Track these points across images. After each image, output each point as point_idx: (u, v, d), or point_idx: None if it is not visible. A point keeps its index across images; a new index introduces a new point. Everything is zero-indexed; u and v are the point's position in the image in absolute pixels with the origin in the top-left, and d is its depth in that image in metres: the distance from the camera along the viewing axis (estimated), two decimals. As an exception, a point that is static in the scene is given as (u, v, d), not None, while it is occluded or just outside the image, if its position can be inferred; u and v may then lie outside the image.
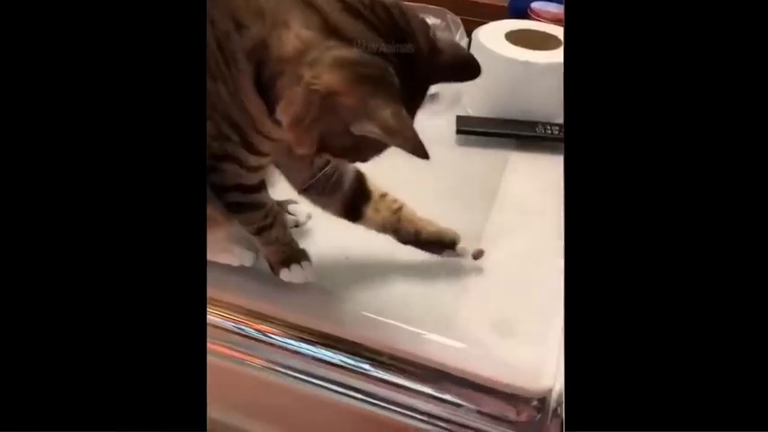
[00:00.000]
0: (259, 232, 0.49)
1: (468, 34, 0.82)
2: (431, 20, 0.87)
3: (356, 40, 0.36)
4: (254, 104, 0.39)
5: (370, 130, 0.35)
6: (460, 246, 0.54)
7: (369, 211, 0.52)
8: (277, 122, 0.39)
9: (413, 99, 0.39)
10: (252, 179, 0.46)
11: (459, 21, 0.87)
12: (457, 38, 0.84)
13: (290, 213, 0.57)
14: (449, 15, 0.88)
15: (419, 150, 0.35)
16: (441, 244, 0.54)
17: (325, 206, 0.53)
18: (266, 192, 0.48)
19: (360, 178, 0.53)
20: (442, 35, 0.42)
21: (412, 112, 0.40)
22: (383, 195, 0.53)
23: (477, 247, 0.55)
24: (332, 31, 0.36)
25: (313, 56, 0.35)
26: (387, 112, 0.35)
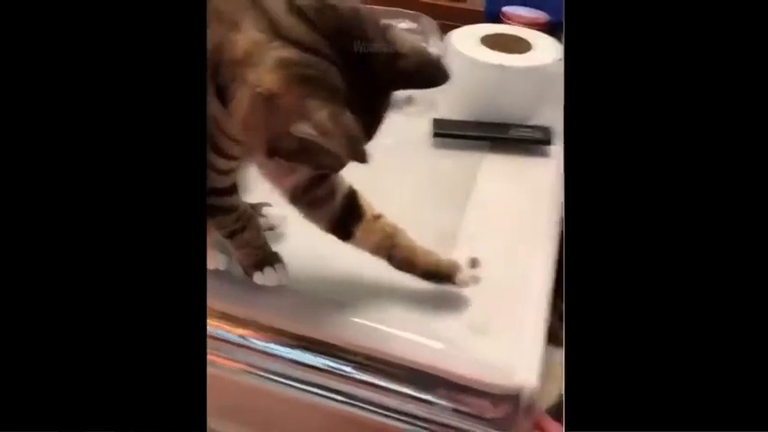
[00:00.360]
0: (231, 235, 0.49)
1: (444, 38, 0.83)
2: (406, 24, 0.88)
3: (300, 42, 0.36)
4: (217, 108, 0.39)
5: (306, 131, 0.35)
6: (460, 277, 0.51)
7: (359, 232, 0.50)
8: None
9: (370, 103, 0.39)
10: (223, 182, 0.46)
11: (434, 24, 0.88)
12: (432, 41, 0.85)
13: (263, 216, 0.57)
14: (424, 19, 0.89)
15: (357, 154, 0.35)
16: (437, 276, 0.51)
17: (313, 219, 0.51)
18: (238, 195, 0.48)
19: (352, 195, 0.50)
20: (412, 38, 0.42)
21: (371, 116, 0.39)
22: (377, 217, 0.51)
23: (472, 257, 0.52)
24: (277, 33, 0.36)
25: (258, 57, 0.35)
26: (323, 113, 0.34)
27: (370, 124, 0.40)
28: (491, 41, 0.79)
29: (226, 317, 0.52)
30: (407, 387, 0.48)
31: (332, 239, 0.52)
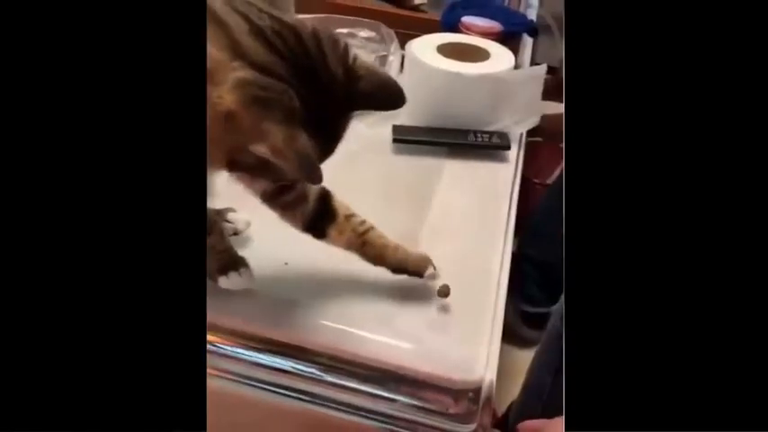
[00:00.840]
0: None
1: (403, 47, 0.85)
2: (365, 33, 0.89)
3: (258, 64, 0.37)
4: None
5: (262, 151, 0.36)
6: (429, 272, 0.53)
7: (332, 232, 0.52)
8: None
9: (328, 123, 0.40)
10: None
11: (393, 34, 0.90)
12: (391, 50, 0.87)
13: (228, 222, 0.57)
14: (383, 29, 0.90)
15: (310, 176, 0.36)
16: (406, 271, 0.53)
17: (288, 220, 0.52)
18: None
19: (324, 197, 0.52)
20: (370, 61, 0.42)
21: (329, 136, 0.41)
22: (348, 216, 0.52)
23: (443, 284, 0.54)
24: (238, 53, 0.37)
25: (220, 76, 0.36)
26: (278, 137, 0.36)
27: (328, 144, 0.41)
28: (449, 50, 0.81)
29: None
30: (372, 386, 0.49)
31: (296, 242, 0.53)
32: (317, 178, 0.37)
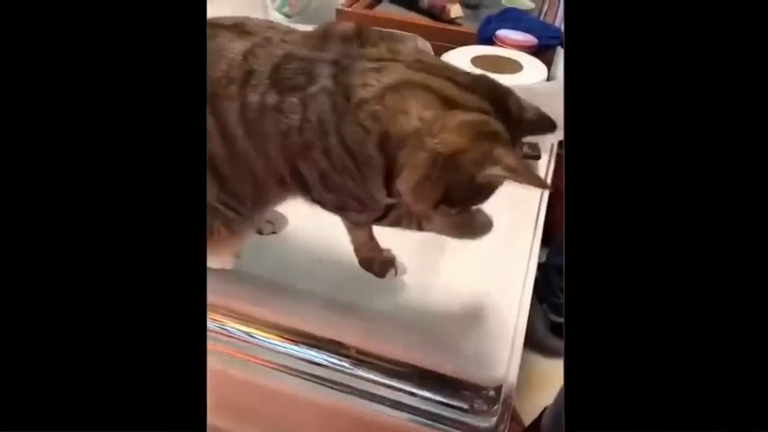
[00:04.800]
0: None
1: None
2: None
3: (474, 108, 0.44)
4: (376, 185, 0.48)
5: (497, 174, 0.42)
6: (390, 274, 0.59)
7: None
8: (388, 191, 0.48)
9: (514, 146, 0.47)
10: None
11: (430, 46, 0.93)
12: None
13: (268, 222, 0.61)
14: (420, 41, 0.94)
15: (540, 182, 0.43)
16: (371, 270, 0.59)
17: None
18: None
19: None
20: (531, 102, 0.49)
21: None
22: None
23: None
24: (451, 104, 0.43)
25: (436, 127, 0.42)
26: (510, 157, 0.42)
27: None
28: (483, 62, 0.84)
29: (234, 314, 0.56)
30: (398, 381, 0.51)
31: (329, 241, 0.56)
32: (546, 183, 0.43)
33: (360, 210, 0.52)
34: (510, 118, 0.46)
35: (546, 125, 0.49)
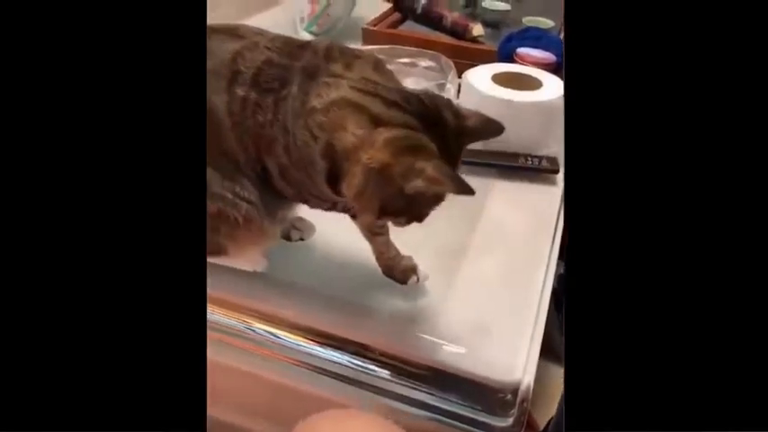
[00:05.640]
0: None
1: (460, 76, 0.90)
2: (425, 62, 0.95)
3: (398, 124, 0.46)
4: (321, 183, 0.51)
5: (419, 185, 0.45)
6: (412, 281, 0.60)
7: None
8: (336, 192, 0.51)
9: (452, 157, 0.49)
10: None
11: (452, 64, 0.95)
12: (449, 78, 0.92)
13: (296, 228, 0.65)
14: (442, 59, 0.96)
15: (462, 189, 0.45)
16: (392, 276, 0.61)
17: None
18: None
19: None
20: (472, 109, 0.52)
21: (453, 165, 0.50)
22: None
23: None
24: (378, 122, 0.47)
25: (365, 147, 0.46)
26: (431, 169, 0.44)
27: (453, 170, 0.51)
28: (503, 79, 0.86)
29: (254, 312, 0.58)
30: (418, 381, 0.53)
31: (351, 245, 0.59)
32: (471, 190, 0.45)
33: (316, 203, 0.55)
34: (446, 128, 0.48)
35: (492, 129, 0.52)
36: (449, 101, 0.50)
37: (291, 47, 0.52)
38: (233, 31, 0.53)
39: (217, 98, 0.50)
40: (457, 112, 0.50)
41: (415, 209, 0.50)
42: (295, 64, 0.50)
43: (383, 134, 0.46)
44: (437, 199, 0.50)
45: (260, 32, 0.54)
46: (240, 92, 0.50)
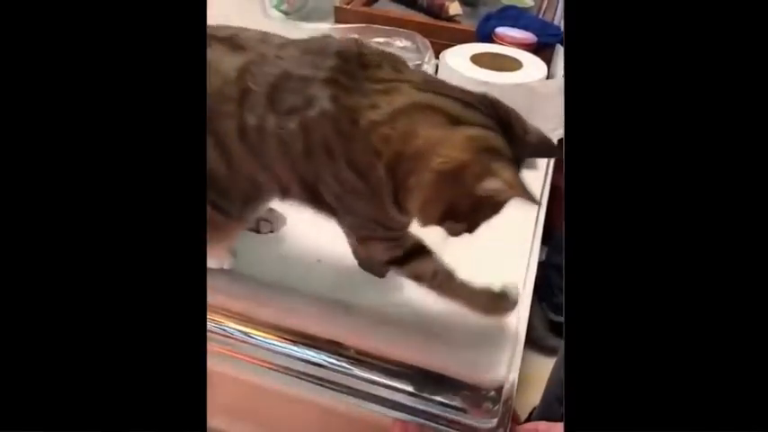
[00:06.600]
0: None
1: (437, 56, 0.87)
2: (401, 42, 0.92)
3: (478, 125, 0.44)
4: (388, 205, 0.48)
5: (495, 187, 0.43)
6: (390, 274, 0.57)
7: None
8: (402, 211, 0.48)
9: (517, 166, 0.47)
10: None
11: (429, 43, 0.92)
12: (426, 59, 0.89)
13: (266, 220, 0.61)
14: (418, 38, 0.93)
15: (530, 198, 0.43)
16: (369, 270, 0.58)
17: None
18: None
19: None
20: (533, 124, 0.49)
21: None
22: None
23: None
24: (456, 122, 0.44)
25: (439, 148, 0.43)
26: (508, 172, 0.43)
27: None
28: (482, 60, 0.83)
29: (229, 313, 0.55)
30: (399, 381, 0.51)
31: (327, 240, 0.56)
32: (537, 199, 0.44)
33: (384, 235, 0.51)
34: (515, 137, 0.46)
35: (546, 149, 0.51)
36: (513, 110, 0.48)
37: (309, 54, 0.46)
38: (232, 41, 0.47)
39: (225, 122, 0.45)
40: (523, 125, 0.48)
41: (477, 215, 0.48)
42: (318, 74, 0.45)
43: (464, 132, 0.44)
44: (498, 207, 0.47)
45: (264, 39, 0.48)
46: (253, 117, 0.45)
